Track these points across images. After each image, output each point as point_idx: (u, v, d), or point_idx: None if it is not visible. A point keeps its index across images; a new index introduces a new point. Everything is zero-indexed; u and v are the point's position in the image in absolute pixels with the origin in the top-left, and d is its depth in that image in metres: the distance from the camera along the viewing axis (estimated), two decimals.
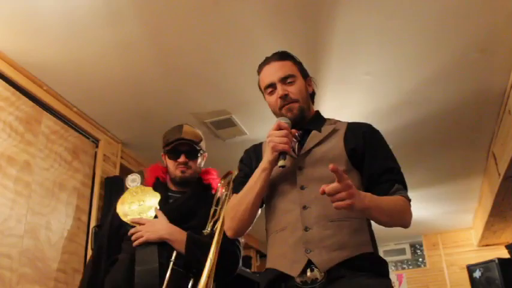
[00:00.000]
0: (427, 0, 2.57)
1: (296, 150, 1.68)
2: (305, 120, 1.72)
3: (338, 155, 1.61)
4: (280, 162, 1.56)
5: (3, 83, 2.84)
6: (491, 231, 5.82)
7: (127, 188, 2.26)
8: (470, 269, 5.50)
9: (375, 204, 1.45)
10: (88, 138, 3.57)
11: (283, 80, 1.70)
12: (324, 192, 1.34)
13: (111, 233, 2.15)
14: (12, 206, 2.74)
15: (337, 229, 1.50)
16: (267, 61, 1.76)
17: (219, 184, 2.22)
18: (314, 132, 1.69)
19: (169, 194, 2.21)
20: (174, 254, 1.98)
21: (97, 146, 3.66)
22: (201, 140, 2.31)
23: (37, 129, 3.04)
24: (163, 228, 2.03)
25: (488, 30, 2.83)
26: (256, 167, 1.67)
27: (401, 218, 1.55)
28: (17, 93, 2.93)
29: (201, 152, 2.30)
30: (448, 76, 3.28)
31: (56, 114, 3.25)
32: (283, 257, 1.55)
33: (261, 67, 1.78)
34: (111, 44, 2.79)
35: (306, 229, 1.52)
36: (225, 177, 2.24)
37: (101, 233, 2.25)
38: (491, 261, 5.05)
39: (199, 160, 2.29)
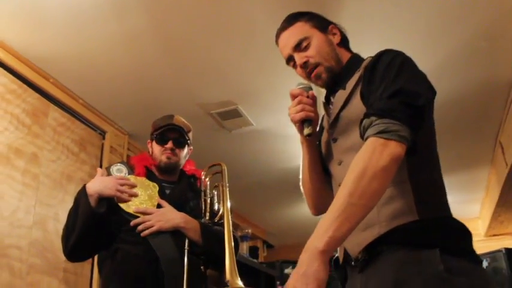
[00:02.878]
0: None
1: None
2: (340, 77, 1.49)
3: (361, 114, 1.29)
4: (305, 131, 1.44)
5: (10, 76, 2.85)
6: (498, 221, 5.80)
7: None
8: None
9: (331, 231, 1.09)
10: (95, 130, 3.58)
11: (298, 48, 1.50)
12: None
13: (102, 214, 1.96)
14: (20, 198, 2.76)
15: None
16: (277, 34, 1.59)
17: (202, 173, 2.19)
18: (339, 92, 1.45)
19: (163, 184, 2.19)
20: (187, 242, 1.97)
21: (104, 138, 3.68)
22: (190, 131, 2.28)
23: (44, 122, 3.06)
24: (178, 217, 2.01)
25: (495, 18, 2.80)
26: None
27: (372, 177, 1.13)
28: (24, 85, 2.94)
29: (189, 142, 2.27)
30: (455, 65, 3.26)
31: (63, 106, 3.26)
32: None
33: (276, 43, 1.60)
34: (117, 35, 2.80)
35: None
36: (210, 167, 2.21)
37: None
38: (499, 251, 5.03)
39: (185, 150, 2.25)
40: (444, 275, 1.13)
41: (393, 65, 1.31)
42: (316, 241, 1.09)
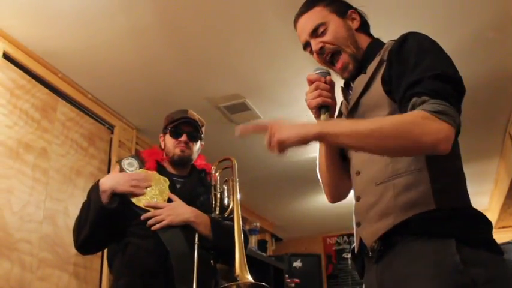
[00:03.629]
0: None
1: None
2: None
3: (380, 99, 1.28)
4: (322, 118, 1.41)
5: (19, 71, 2.87)
6: (507, 213, 5.78)
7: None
8: None
9: (340, 129, 1.14)
10: (103, 124, 3.60)
11: (314, 34, 1.45)
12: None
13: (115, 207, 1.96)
14: (31, 193, 2.78)
15: (382, 193, 1.25)
16: (295, 19, 1.52)
17: (212, 168, 2.20)
18: (359, 77, 1.40)
19: (174, 178, 2.19)
20: (197, 236, 1.97)
21: (112, 132, 3.69)
22: (203, 125, 2.29)
23: (53, 116, 3.08)
24: (188, 212, 2.01)
25: (505, 9, 2.77)
26: None
27: (404, 137, 1.13)
28: (33, 81, 2.96)
29: (202, 136, 2.28)
30: (464, 55, 3.22)
31: (71, 101, 3.28)
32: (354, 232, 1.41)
33: (295, 28, 1.54)
34: (125, 30, 2.80)
35: (357, 199, 1.35)
36: (220, 162, 2.22)
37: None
38: (508, 243, 5.01)
39: (198, 145, 2.26)
40: (460, 266, 1.10)
41: (425, 46, 1.31)
42: (320, 124, 1.15)
